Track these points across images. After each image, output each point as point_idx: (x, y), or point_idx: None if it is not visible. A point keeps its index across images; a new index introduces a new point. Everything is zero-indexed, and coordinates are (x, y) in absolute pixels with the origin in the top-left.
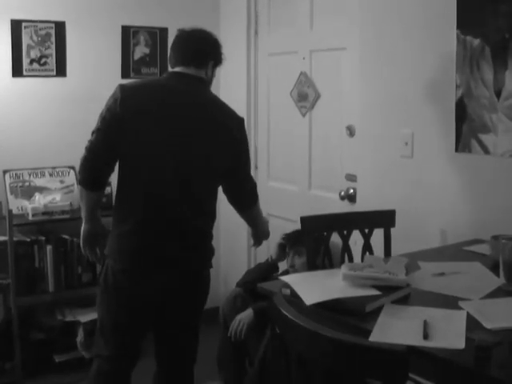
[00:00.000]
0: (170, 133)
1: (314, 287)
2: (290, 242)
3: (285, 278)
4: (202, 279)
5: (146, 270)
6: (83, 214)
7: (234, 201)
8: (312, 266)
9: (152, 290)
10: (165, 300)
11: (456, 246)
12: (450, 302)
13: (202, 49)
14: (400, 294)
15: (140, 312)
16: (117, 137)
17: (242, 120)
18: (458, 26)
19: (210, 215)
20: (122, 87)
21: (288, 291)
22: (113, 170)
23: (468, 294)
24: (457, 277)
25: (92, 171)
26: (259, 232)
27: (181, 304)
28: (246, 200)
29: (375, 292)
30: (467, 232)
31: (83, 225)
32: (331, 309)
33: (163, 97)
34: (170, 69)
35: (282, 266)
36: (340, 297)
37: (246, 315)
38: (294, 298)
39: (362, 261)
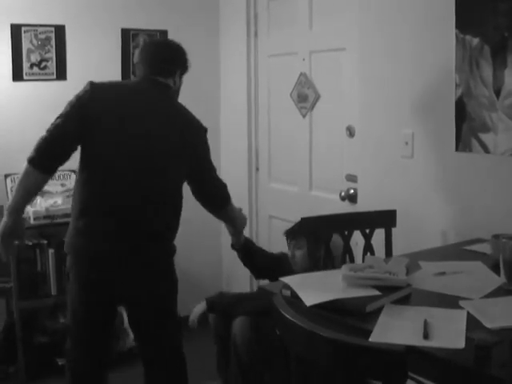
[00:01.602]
0: (130, 135)
1: (314, 288)
2: (290, 235)
3: (285, 279)
4: (158, 279)
5: (93, 268)
6: (11, 203)
7: (204, 204)
8: (313, 260)
9: (101, 287)
10: (123, 297)
11: (457, 246)
12: (450, 302)
13: (168, 59)
14: (400, 294)
15: (95, 306)
16: (79, 127)
17: (203, 128)
18: (457, 26)
19: (169, 217)
20: (92, 84)
21: (288, 292)
22: (67, 158)
23: (468, 293)
24: (457, 276)
25: (47, 152)
26: (237, 231)
27: (140, 301)
28: (215, 203)
29: (375, 292)
30: (468, 231)
31: (5, 218)
32: (331, 309)
33: (129, 99)
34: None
35: None
36: (340, 297)
37: (199, 306)
38: (295, 299)
39: (363, 261)
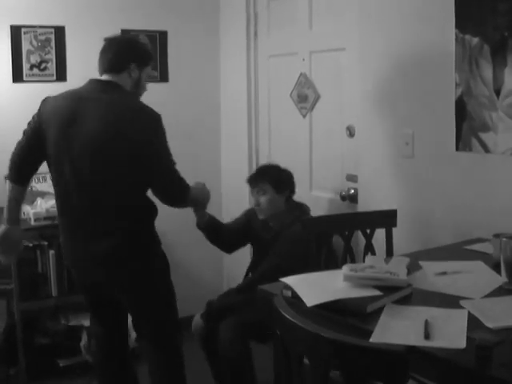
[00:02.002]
0: (70, 139)
1: (315, 288)
2: (253, 182)
3: (286, 280)
4: (129, 278)
5: (71, 263)
6: (5, 215)
7: (164, 202)
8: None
9: (82, 278)
10: (110, 296)
11: (457, 245)
12: (451, 302)
13: (116, 54)
14: (401, 294)
15: (88, 293)
16: (35, 141)
17: (154, 118)
18: (457, 25)
19: (125, 217)
20: (44, 99)
21: (289, 293)
22: (35, 170)
23: (469, 293)
24: (459, 276)
25: (15, 167)
26: (200, 207)
27: (124, 300)
28: (174, 200)
29: (376, 292)
30: (469, 231)
31: (2, 226)
32: (332, 310)
33: (69, 105)
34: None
35: None
36: (341, 297)
37: (194, 325)
38: (295, 300)
39: (364, 261)
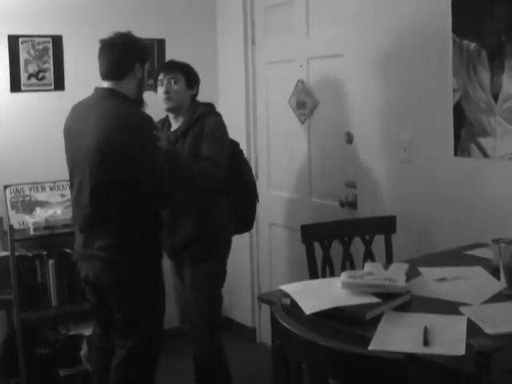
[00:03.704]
0: (71, 149)
1: (313, 296)
2: (167, 68)
3: (285, 288)
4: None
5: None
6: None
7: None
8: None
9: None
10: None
11: (457, 251)
12: (450, 308)
13: (121, 58)
14: (400, 301)
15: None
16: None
17: (145, 120)
18: (454, 30)
19: (122, 224)
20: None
21: (288, 301)
22: None
23: (469, 299)
24: (458, 282)
25: None
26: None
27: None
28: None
29: (375, 300)
30: (468, 236)
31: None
32: (331, 317)
33: (74, 115)
34: None
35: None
36: (340, 305)
37: None
38: (294, 308)
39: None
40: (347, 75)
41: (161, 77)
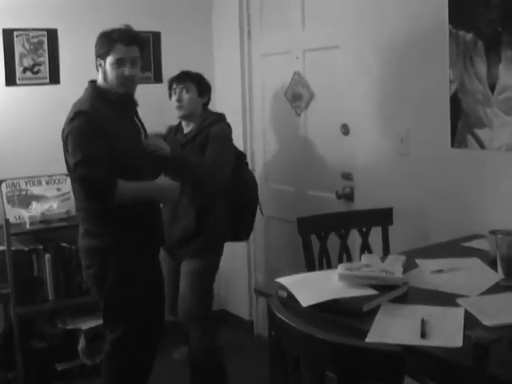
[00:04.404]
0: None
1: (310, 288)
2: (179, 79)
3: (281, 280)
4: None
5: None
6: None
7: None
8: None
9: None
10: None
11: (454, 242)
12: (447, 300)
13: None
14: (397, 293)
15: None
16: None
17: (77, 114)
18: (450, 21)
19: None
20: None
21: (285, 293)
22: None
23: (466, 290)
24: (455, 273)
25: None
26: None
27: None
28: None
29: (372, 291)
30: (465, 227)
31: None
32: (328, 310)
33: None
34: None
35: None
36: (337, 297)
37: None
38: (291, 300)
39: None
40: (344, 67)
41: (174, 86)
